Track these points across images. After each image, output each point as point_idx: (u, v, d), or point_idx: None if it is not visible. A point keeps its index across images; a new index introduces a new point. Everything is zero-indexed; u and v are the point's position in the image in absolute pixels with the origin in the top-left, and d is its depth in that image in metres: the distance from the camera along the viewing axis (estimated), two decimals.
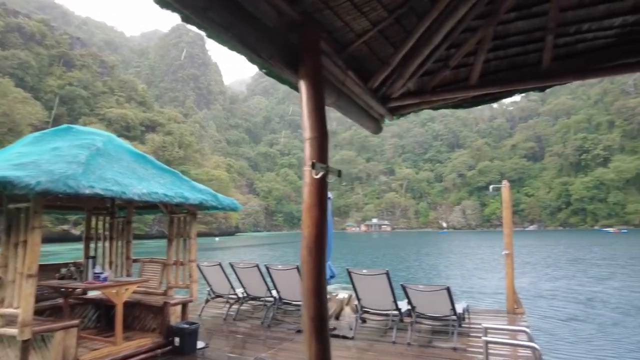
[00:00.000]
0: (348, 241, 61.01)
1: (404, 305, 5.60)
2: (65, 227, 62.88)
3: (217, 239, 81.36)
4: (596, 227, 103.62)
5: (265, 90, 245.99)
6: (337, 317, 6.63)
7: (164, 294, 5.70)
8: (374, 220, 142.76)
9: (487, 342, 3.40)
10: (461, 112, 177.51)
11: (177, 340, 4.97)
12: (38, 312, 4.38)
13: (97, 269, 4.88)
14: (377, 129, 2.87)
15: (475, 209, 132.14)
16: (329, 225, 5.77)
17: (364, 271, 5.52)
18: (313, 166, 1.85)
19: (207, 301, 7.25)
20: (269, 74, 2.14)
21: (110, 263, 6.08)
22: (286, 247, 44.31)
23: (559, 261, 24.19)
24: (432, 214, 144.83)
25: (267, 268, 6.44)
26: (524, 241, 48.08)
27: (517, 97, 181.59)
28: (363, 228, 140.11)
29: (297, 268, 6.14)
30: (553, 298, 12.73)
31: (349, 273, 5.61)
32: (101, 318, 5.83)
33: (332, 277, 5.70)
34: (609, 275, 17.56)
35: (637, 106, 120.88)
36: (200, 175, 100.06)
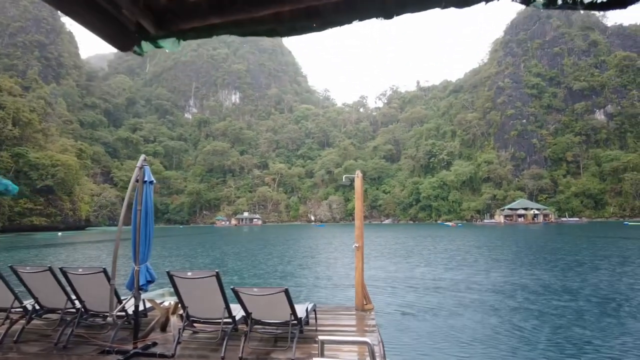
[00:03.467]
0: (213, 236, 58.55)
1: (240, 311, 4.71)
2: None
3: (60, 233, 70.19)
4: (439, 222, 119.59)
5: (130, 70, 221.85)
6: (163, 329, 5.43)
7: None
8: (245, 214, 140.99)
9: None
10: (332, 113, 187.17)
11: None
12: None
13: None
14: (124, 42, 1.71)
15: (340, 203, 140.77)
16: (149, 217, 4.56)
17: (189, 273, 4.45)
18: None
19: None
20: None
21: None
22: None
23: (412, 252, 26.39)
24: (302, 208, 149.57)
25: (64, 272, 4.90)
26: (382, 233, 52.26)
27: (380, 103, 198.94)
28: (233, 222, 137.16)
29: (104, 271, 4.75)
30: (407, 288, 13.36)
31: (171, 276, 4.48)
32: None
33: (150, 281, 4.50)
34: (456, 264, 19.56)
35: (473, 120, 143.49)
36: (42, 160, 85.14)
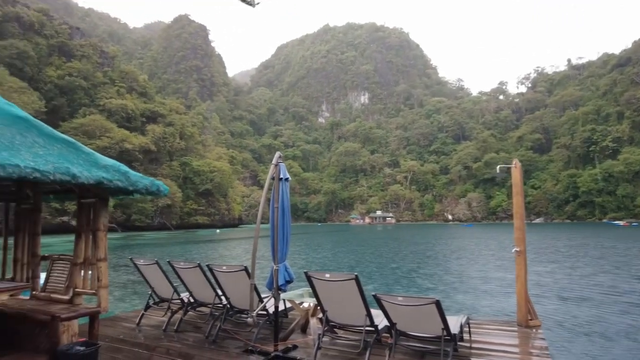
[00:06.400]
0: (350, 234, 59.92)
1: (383, 319, 4.22)
2: (65, 218, 62.11)
3: (218, 230, 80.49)
4: (604, 220, 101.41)
5: (269, 82, 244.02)
6: (303, 331, 5.28)
7: (69, 302, 4.33)
8: (378, 213, 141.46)
9: None
10: (467, 104, 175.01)
11: None
12: None
13: None
14: None
15: (480, 201, 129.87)
16: (285, 215, 4.40)
17: (327, 275, 4.13)
18: None
19: (147, 307, 5.89)
20: None
21: (16, 261, 4.88)
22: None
23: (580, 255, 22.54)
24: (438, 206, 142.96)
25: (210, 269, 5.09)
26: (537, 234, 46.35)
27: (522, 88, 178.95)
28: (367, 220, 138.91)
29: (246, 269, 4.77)
30: (580, 301, 11.27)
31: (309, 277, 4.23)
32: None
33: (288, 281, 4.34)
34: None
35: None
36: (202, 167, 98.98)
